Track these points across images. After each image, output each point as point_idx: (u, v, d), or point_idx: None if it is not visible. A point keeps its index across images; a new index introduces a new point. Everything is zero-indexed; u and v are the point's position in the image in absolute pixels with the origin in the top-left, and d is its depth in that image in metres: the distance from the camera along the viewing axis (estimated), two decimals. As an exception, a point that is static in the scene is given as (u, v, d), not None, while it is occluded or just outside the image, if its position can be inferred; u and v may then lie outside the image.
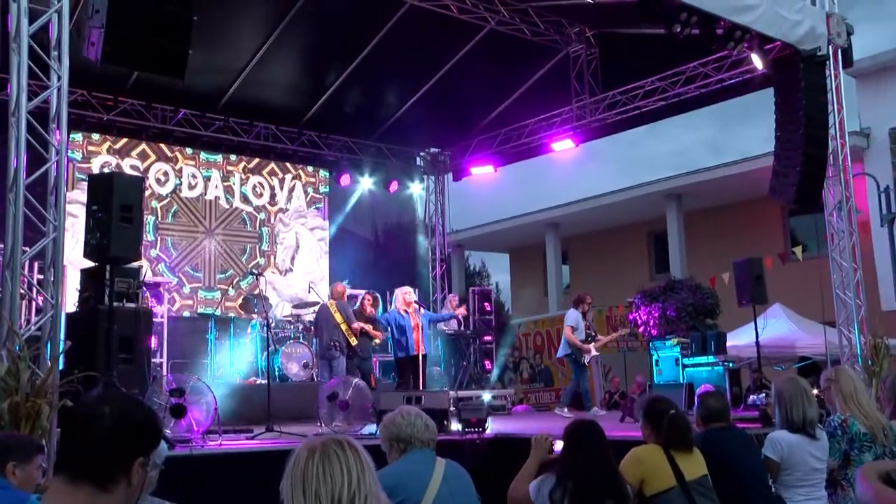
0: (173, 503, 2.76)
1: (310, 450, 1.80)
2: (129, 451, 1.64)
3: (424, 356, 9.54)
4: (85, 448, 1.61)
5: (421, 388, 9.15)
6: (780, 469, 4.21)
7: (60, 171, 5.09)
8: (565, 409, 9.86)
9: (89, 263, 6.53)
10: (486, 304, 14.04)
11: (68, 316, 6.71)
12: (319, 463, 1.77)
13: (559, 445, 3.78)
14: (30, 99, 5.20)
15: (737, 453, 4.20)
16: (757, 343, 9.24)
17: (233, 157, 13.30)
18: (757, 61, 9.21)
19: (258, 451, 6.23)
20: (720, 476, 3.98)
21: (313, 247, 14.14)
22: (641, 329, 13.35)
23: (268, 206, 13.70)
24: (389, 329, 9.68)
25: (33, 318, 6.44)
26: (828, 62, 8.92)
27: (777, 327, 12.41)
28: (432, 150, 15.15)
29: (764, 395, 6.94)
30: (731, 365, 9.62)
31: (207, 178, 13.11)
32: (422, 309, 10.03)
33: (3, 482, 2.78)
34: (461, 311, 11.44)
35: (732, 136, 71.36)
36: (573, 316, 10.35)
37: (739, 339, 11.31)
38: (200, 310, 12.45)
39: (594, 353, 10.32)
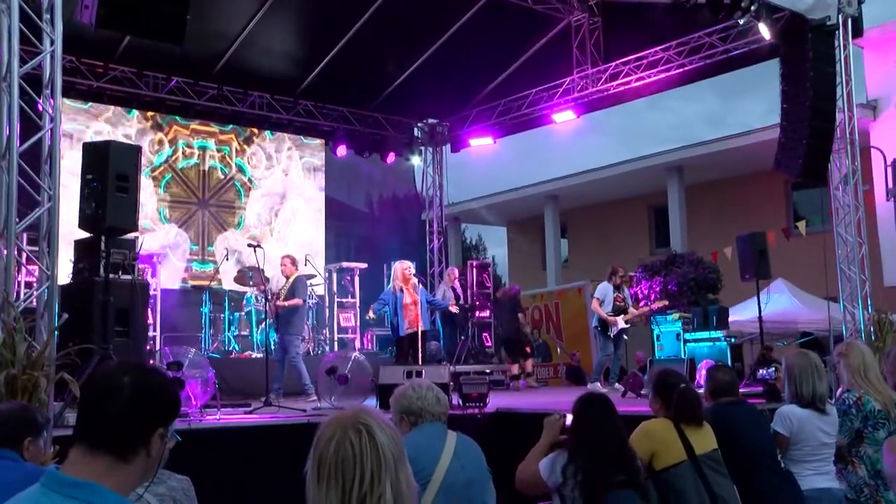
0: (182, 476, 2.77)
1: (330, 434, 1.69)
2: (149, 421, 1.64)
3: (424, 332, 9.56)
4: (104, 418, 1.61)
5: (420, 363, 9.19)
6: (790, 444, 4.25)
7: (56, 139, 5.04)
8: (616, 384, 9.86)
9: (77, 234, 6.47)
10: (484, 277, 14.03)
11: (61, 288, 6.67)
12: (334, 453, 1.66)
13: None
14: (21, 65, 5.13)
15: (746, 428, 4.22)
16: (760, 318, 9.27)
17: (228, 127, 13.21)
18: (764, 31, 9.12)
19: (257, 425, 6.26)
20: (729, 451, 4.00)
21: (309, 219, 14.10)
22: (643, 304, 13.36)
23: (263, 176, 13.63)
24: (387, 308, 9.70)
25: (23, 291, 6.42)
26: (837, 32, 8.83)
27: (779, 302, 12.48)
28: (430, 120, 15.04)
29: (773, 369, 6.99)
30: (733, 340, 9.66)
31: (202, 148, 13.03)
32: (420, 285, 10.01)
33: (13, 455, 2.78)
34: (454, 308, 11.28)
35: (733, 108, 71.11)
36: (602, 288, 10.47)
37: (741, 315, 11.36)
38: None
39: (621, 325, 10.28)
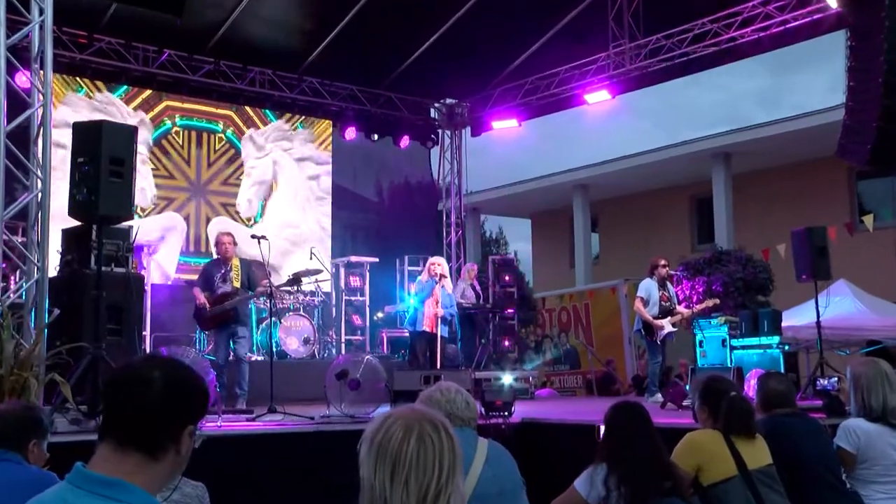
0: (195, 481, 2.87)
1: (406, 428, 1.79)
2: (180, 417, 1.73)
3: (442, 338, 9.74)
4: (134, 414, 1.69)
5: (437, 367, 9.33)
6: (857, 461, 4.26)
7: (46, 117, 5.14)
8: (658, 395, 9.82)
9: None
10: (506, 275, 14.09)
11: (49, 281, 6.79)
12: (416, 447, 1.77)
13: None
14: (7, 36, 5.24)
15: (805, 442, 4.24)
16: (818, 324, 9.25)
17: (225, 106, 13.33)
18: (830, -1, 9.10)
19: (262, 433, 6.35)
20: (785, 467, 4.03)
21: (315, 207, 14.22)
22: (684, 305, 13.38)
23: (266, 160, 13.74)
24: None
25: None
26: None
27: (841, 306, 12.31)
28: (449, 101, 15.12)
29: (836, 379, 6.98)
30: (787, 347, 9.65)
31: (200, 128, 13.17)
32: (452, 295, 10.33)
33: (16, 457, 2.88)
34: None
35: (788, 86, 70.27)
36: (644, 286, 10.23)
37: (796, 319, 11.33)
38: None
39: (668, 328, 9.91)
